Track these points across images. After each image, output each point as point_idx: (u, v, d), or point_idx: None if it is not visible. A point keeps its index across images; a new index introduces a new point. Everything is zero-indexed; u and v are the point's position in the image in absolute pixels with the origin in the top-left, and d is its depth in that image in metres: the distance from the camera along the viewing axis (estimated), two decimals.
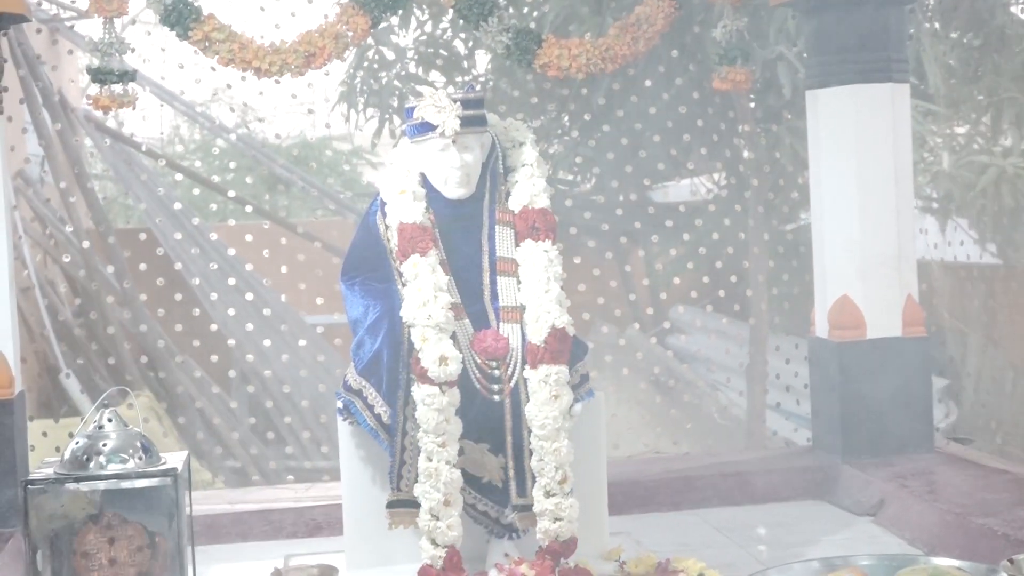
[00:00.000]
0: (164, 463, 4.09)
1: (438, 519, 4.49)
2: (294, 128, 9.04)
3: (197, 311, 8.63)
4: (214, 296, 9.11)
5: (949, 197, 9.43)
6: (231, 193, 9.74)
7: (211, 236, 9.90)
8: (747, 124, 8.66)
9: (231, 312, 9.13)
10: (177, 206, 9.96)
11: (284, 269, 8.39)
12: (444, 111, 4.69)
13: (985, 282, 9.63)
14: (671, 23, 6.13)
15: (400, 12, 6.41)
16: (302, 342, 9.35)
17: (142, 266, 8.50)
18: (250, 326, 9.23)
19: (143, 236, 9.18)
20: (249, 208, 10.53)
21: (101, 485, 4.01)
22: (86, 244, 9.03)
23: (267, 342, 8.95)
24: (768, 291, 8.92)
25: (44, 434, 7.43)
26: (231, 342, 8.90)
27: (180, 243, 9.59)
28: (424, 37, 9.59)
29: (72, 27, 9.45)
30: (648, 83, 8.38)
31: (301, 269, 8.84)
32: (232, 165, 11.98)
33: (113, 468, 4.02)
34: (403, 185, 4.77)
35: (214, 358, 8.43)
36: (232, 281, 9.26)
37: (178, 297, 8.42)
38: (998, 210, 9.24)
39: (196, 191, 11.06)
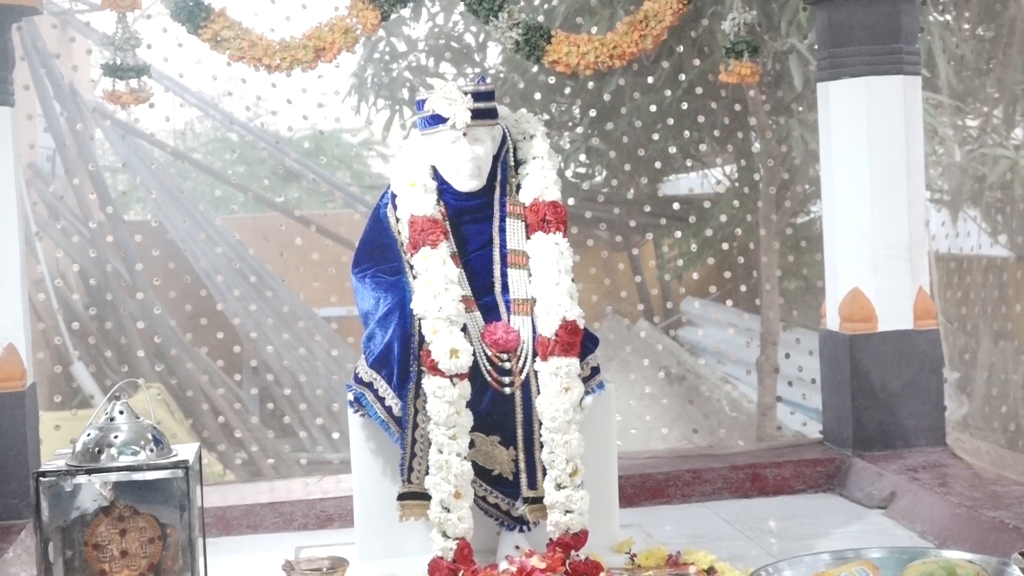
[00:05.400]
0: (175, 455, 4.10)
1: (449, 511, 4.49)
2: (305, 121, 9.02)
3: (220, 306, 8.65)
4: (237, 292, 9.15)
5: (961, 189, 9.42)
6: (248, 191, 9.78)
7: (229, 235, 9.93)
8: (757, 116, 8.65)
9: (252, 308, 9.16)
10: (201, 206, 9.99)
11: (301, 269, 8.42)
12: (455, 103, 4.69)
13: (997, 274, 9.62)
14: (680, 19, 6.12)
15: (411, 4, 6.42)
16: (317, 337, 9.38)
17: (156, 261, 8.52)
18: (270, 320, 9.25)
19: (156, 231, 9.19)
20: (264, 205, 10.56)
21: (112, 477, 4.02)
22: (98, 237, 9.04)
23: (285, 335, 8.99)
24: (781, 284, 8.92)
25: (57, 427, 7.44)
26: (253, 335, 8.92)
27: (195, 239, 9.61)
28: (435, 29, 9.60)
29: (88, 23, 9.46)
30: (657, 77, 8.37)
31: (314, 264, 8.86)
32: (245, 159, 11.99)
33: (125, 460, 4.03)
34: (414, 177, 4.78)
35: (233, 351, 8.46)
36: (253, 279, 9.31)
37: (203, 293, 8.44)
38: (1010, 202, 9.23)
39: (212, 186, 11.06)
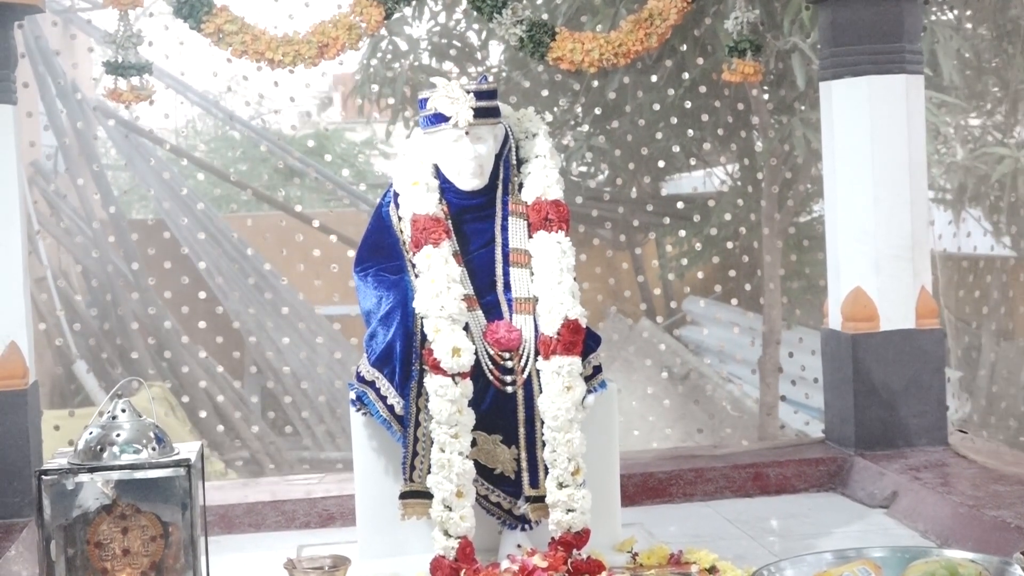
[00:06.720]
0: (177, 454, 4.10)
1: (451, 510, 4.49)
2: (308, 119, 9.02)
3: (220, 309, 8.66)
4: (236, 295, 9.16)
5: (963, 189, 9.42)
6: (248, 190, 9.77)
7: (231, 234, 9.94)
8: (760, 115, 8.65)
9: (251, 311, 9.17)
10: (200, 206, 9.99)
11: (301, 267, 8.43)
12: (457, 102, 4.69)
13: (999, 273, 9.62)
14: (683, 17, 6.11)
15: (414, 3, 6.41)
16: (319, 339, 9.39)
17: (160, 261, 8.52)
18: (269, 323, 9.26)
19: (160, 230, 9.20)
20: (265, 204, 10.57)
21: (114, 475, 4.02)
22: (101, 237, 9.05)
23: (285, 339, 8.99)
24: (784, 283, 8.93)
25: (56, 428, 7.44)
26: (252, 339, 8.93)
27: (198, 238, 9.62)
28: (438, 28, 9.61)
29: (89, 21, 9.47)
30: (660, 75, 8.37)
31: (316, 262, 8.86)
32: (247, 157, 12.01)
33: (127, 458, 4.03)
34: (416, 176, 4.78)
35: (236, 354, 8.47)
36: (251, 280, 9.32)
37: (202, 295, 8.44)
38: (1013, 202, 9.23)
39: (213, 186, 11.09)
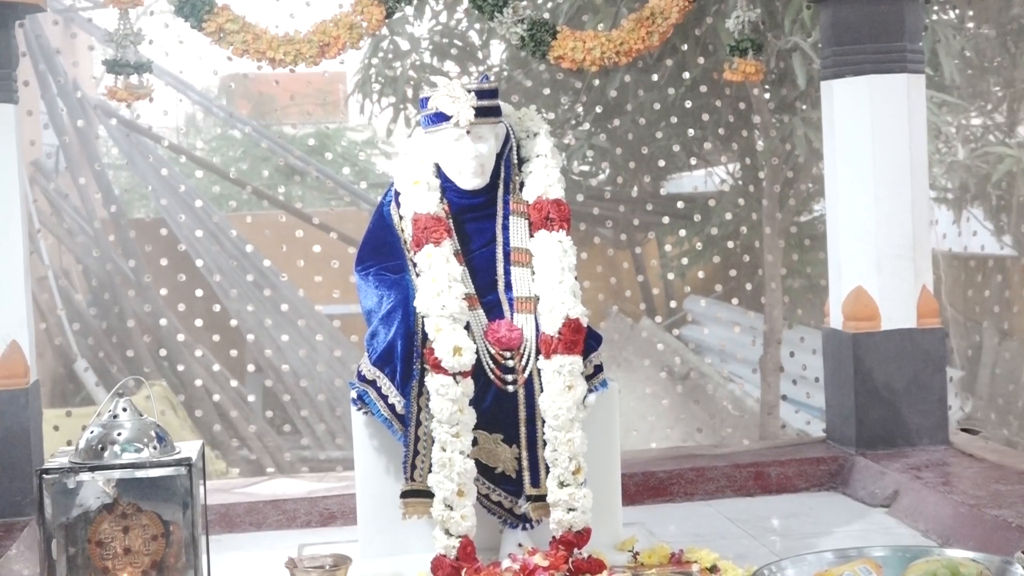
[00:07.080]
0: (178, 452, 4.10)
1: (452, 509, 4.49)
2: (309, 117, 9.00)
3: (218, 307, 8.65)
4: (233, 292, 9.15)
5: (964, 188, 9.42)
6: (248, 187, 9.75)
7: (231, 232, 9.93)
8: (761, 115, 8.65)
9: (250, 308, 9.16)
10: (198, 203, 9.99)
11: (301, 263, 8.42)
12: (458, 101, 4.69)
13: (1000, 273, 9.62)
14: (685, 15, 6.11)
15: (415, 2, 6.41)
16: (319, 336, 9.38)
17: (160, 260, 8.52)
18: (268, 321, 9.26)
19: (160, 229, 9.20)
20: (265, 201, 10.56)
21: (116, 474, 4.02)
22: (102, 235, 9.04)
23: (284, 337, 8.98)
24: (785, 282, 8.93)
25: (56, 428, 7.43)
26: (250, 337, 8.92)
27: (199, 238, 9.61)
28: (439, 27, 9.61)
29: (90, 20, 9.47)
30: (661, 74, 8.37)
31: (316, 259, 8.86)
32: (248, 155, 12.00)
33: (128, 457, 4.03)
34: (417, 175, 4.78)
35: (233, 352, 8.46)
36: (251, 277, 9.31)
37: (200, 293, 8.42)
38: (1015, 201, 9.23)
39: (214, 185, 11.09)
